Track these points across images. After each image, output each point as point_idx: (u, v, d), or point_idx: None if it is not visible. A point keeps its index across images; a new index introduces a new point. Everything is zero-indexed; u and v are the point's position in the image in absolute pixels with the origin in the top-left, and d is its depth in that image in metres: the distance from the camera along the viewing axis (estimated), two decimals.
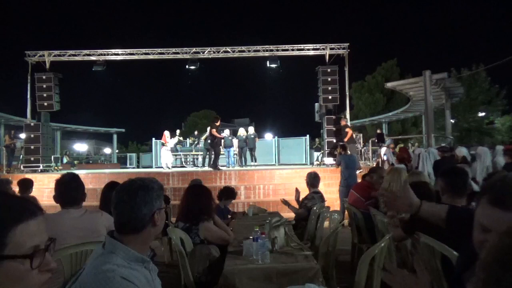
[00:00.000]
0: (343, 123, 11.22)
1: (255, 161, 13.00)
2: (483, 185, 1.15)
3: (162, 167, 13.45)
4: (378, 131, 15.88)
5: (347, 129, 10.94)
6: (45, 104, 12.28)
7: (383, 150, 10.91)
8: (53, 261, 0.84)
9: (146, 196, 1.36)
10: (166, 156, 13.26)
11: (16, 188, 4.82)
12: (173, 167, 13.60)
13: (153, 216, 1.37)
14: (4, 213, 0.78)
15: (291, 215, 4.90)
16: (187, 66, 12.95)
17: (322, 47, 12.41)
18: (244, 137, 12.67)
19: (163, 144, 13.31)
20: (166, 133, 13.22)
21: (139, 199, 1.35)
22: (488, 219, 1.01)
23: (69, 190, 2.41)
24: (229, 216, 4.64)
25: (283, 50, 12.68)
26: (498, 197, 1.00)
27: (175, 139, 14.53)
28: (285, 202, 4.79)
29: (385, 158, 7.86)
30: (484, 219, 1.03)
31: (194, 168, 13.37)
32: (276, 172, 10.02)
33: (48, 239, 0.84)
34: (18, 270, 0.77)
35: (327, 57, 12.29)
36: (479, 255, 1.02)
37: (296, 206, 4.85)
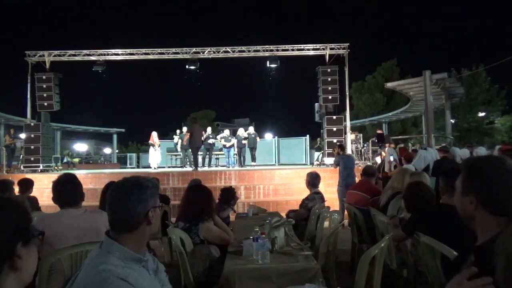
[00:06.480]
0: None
1: (255, 161, 12.99)
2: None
3: (163, 167, 13.47)
4: (379, 131, 15.84)
5: None
6: (45, 104, 12.31)
7: (387, 151, 10.79)
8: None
9: (141, 194, 1.35)
10: (154, 156, 13.38)
11: (16, 188, 4.81)
12: (172, 167, 13.61)
13: (147, 214, 1.35)
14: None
15: None
16: (187, 66, 12.95)
17: (322, 47, 12.41)
18: (242, 137, 12.67)
19: (152, 145, 13.38)
20: (154, 134, 13.31)
21: (133, 197, 1.33)
22: None
23: (66, 191, 2.41)
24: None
25: (283, 50, 12.68)
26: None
27: (176, 139, 14.55)
28: None
29: (391, 159, 7.82)
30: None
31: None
32: (276, 172, 10.01)
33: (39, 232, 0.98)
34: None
35: (327, 57, 12.29)
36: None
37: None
